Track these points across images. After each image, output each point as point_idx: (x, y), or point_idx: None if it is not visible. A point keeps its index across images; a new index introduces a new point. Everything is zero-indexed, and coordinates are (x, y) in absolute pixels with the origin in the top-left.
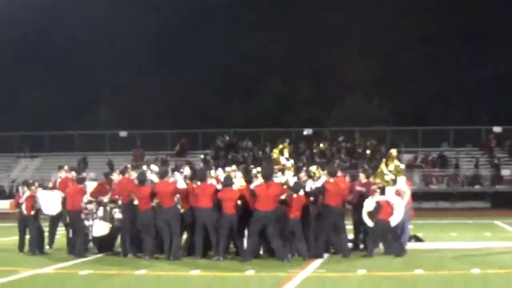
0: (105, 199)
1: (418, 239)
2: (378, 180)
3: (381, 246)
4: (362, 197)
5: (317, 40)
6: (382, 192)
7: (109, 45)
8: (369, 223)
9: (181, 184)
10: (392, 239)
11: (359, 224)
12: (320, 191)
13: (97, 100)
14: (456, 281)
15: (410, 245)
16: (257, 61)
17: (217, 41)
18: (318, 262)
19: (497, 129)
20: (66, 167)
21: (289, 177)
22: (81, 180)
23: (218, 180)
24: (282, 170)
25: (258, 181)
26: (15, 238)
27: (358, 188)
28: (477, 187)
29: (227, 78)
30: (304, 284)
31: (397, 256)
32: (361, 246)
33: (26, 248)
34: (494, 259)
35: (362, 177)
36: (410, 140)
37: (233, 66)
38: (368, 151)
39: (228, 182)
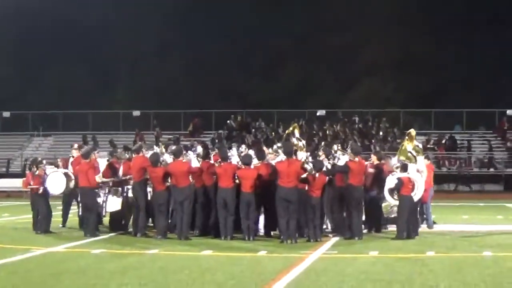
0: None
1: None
2: (402, 157)
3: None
4: (374, 178)
5: (337, 22)
6: (404, 169)
7: (129, 23)
8: (391, 200)
9: (195, 163)
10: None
11: (368, 206)
12: (344, 170)
13: (115, 79)
14: (468, 263)
15: (422, 227)
16: (277, 42)
17: (239, 19)
18: (330, 243)
19: (510, 112)
20: (76, 145)
21: (302, 158)
22: (86, 155)
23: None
24: (295, 151)
25: (279, 158)
26: (28, 216)
27: (370, 169)
28: (490, 170)
29: (248, 57)
30: (316, 265)
31: (409, 238)
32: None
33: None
34: (506, 242)
35: (374, 159)
36: (423, 122)
37: (254, 45)
38: (381, 133)
39: (247, 160)
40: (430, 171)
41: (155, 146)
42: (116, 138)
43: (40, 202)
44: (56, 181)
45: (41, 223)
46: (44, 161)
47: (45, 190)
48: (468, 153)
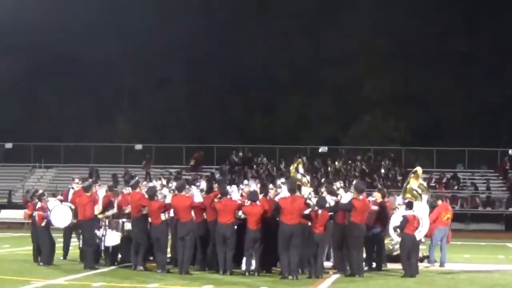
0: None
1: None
2: (408, 195)
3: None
4: (378, 215)
5: (338, 56)
6: (409, 206)
7: (130, 55)
8: (395, 237)
9: (198, 198)
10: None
11: (370, 243)
12: (347, 208)
13: (117, 112)
14: None
15: (423, 266)
16: (278, 75)
17: (240, 53)
18: (330, 280)
19: None
20: (77, 180)
21: (306, 193)
22: (87, 188)
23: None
24: (299, 186)
25: (282, 194)
26: (29, 248)
27: (374, 207)
28: (490, 209)
29: (249, 91)
30: None
31: (410, 277)
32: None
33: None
34: (507, 282)
35: (377, 196)
36: (425, 160)
37: (255, 79)
38: (382, 171)
39: (253, 197)
40: (447, 210)
41: (154, 181)
42: (118, 171)
43: (42, 234)
44: (61, 214)
45: (44, 255)
46: (46, 193)
47: (48, 222)
48: (474, 192)
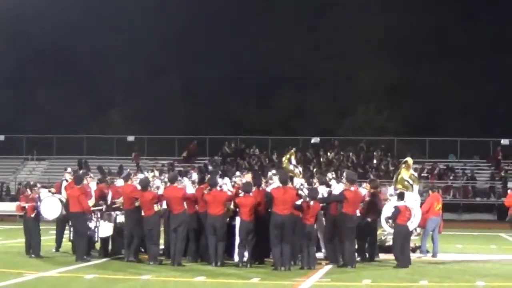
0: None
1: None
2: (399, 186)
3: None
4: (369, 206)
5: (332, 47)
6: (401, 197)
7: (125, 47)
8: (387, 228)
9: (190, 190)
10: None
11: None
12: (339, 199)
13: (109, 104)
14: None
15: (415, 256)
16: (273, 67)
17: (234, 44)
18: (323, 271)
19: (505, 141)
20: (69, 169)
21: (298, 184)
22: (78, 180)
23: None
24: (291, 177)
25: (274, 184)
26: (22, 240)
27: (367, 198)
28: (483, 199)
29: (243, 82)
30: None
31: (402, 267)
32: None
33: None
34: (500, 272)
35: (368, 187)
36: (417, 151)
37: (250, 70)
38: (374, 161)
39: (247, 188)
40: (439, 201)
41: (145, 172)
42: (110, 163)
43: (32, 225)
44: (51, 206)
45: (34, 247)
46: (39, 185)
47: (38, 214)
48: (466, 182)
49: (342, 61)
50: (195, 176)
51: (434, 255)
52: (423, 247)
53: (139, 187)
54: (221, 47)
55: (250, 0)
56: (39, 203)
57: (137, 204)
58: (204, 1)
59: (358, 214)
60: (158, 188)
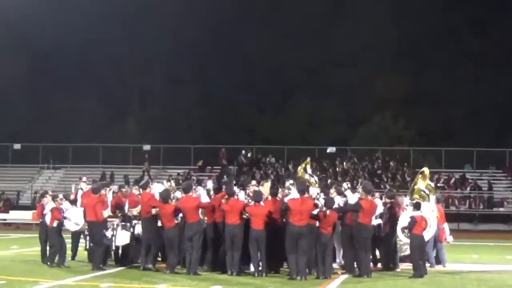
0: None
1: (438, 261)
2: (416, 196)
3: (402, 266)
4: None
5: (348, 56)
6: (417, 207)
7: (140, 56)
8: (403, 238)
9: (205, 199)
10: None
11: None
12: (355, 208)
13: (126, 112)
14: None
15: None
16: (288, 76)
17: (250, 53)
18: (338, 280)
19: None
20: (84, 178)
21: (314, 194)
22: (96, 190)
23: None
24: (307, 187)
25: (291, 195)
26: (37, 248)
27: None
28: (500, 209)
29: (259, 91)
30: None
31: (418, 277)
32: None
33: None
34: None
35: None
36: (434, 161)
37: (265, 80)
38: (390, 172)
39: (258, 198)
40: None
41: (165, 182)
42: (126, 172)
43: (54, 235)
44: (75, 217)
45: (53, 256)
46: (61, 195)
47: (61, 224)
48: (482, 193)
49: (357, 69)
50: (210, 185)
51: (443, 264)
52: (430, 259)
53: (157, 196)
54: (237, 56)
55: (265, 9)
56: (63, 214)
57: (153, 212)
58: (220, 11)
59: (374, 224)
60: (178, 200)
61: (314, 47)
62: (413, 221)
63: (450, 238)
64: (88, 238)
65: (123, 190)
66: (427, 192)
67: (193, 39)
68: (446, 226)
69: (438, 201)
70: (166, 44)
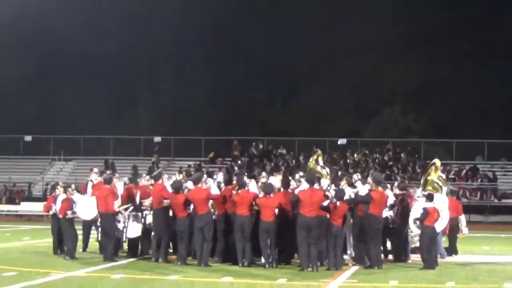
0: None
1: (450, 252)
2: (429, 188)
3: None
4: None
5: (358, 47)
6: (430, 199)
7: (152, 48)
8: (415, 229)
9: (215, 190)
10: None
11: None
12: (365, 200)
13: (137, 104)
14: None
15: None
16: (298, 68)
17: (260, 45)
18: (349, 272)
19: None
20: (96, 170)
21: (325, 185)
22: (108, 180)
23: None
24: (318, 178)
25: (301, 186)
26: (49, 240)
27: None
28: (510, 201)
29: (269, 83)
30: None
31: (429, 268)
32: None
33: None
34: None
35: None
36: (444, 153)
37: (276, 71)
38: (401, 163)
39: (268, 190)
40: None
41: (177, 173)
42: (136, 163)
43: (65, 226)
44: (88, 206)
45: (70, 249)
46: (73, 185)
47: (73, 214)
48: (493, 184)
49: (367, 61)
50: (220, 176)
51: (442, 257)
52: (441, 250)
53: (169, 188)
54: (247, 48)
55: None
56: (74, 205)
57: (165, 203)
58: (229, 1)
59: (385, 216)
60: (189, 190)
61: (323, 39)
62: (426, 213)
63: (465, 230)
64: (100, 229)
65: (135, 181)
66: (440, 183)
67: (204, 31)
68: (462, 218)
69: (452, 193)
70: (177, 37)
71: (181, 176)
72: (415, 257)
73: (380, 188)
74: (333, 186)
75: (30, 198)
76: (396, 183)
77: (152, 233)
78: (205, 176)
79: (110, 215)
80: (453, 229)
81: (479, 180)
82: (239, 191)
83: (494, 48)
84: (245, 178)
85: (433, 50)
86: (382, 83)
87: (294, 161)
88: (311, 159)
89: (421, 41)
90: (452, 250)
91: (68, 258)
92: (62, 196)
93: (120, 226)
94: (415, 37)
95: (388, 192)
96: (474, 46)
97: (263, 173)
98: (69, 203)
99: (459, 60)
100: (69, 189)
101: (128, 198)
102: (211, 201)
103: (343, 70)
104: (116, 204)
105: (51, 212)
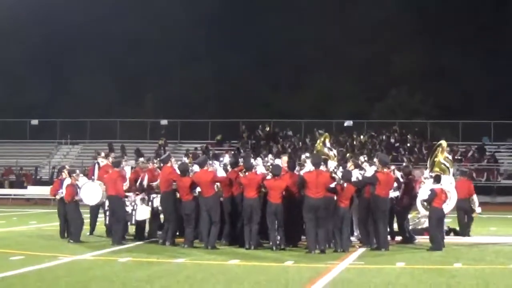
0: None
1: (456, 233)
2: (436, 169)
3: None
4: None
5: (364, 31)
6: (437, 180)
7: (156, 33)
8: (422, 211)
9: (220, 173)
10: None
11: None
12: (371, 181)
13: (143, 88)
14: (495, 275)
15: (449, 239)
16: (305, 51)
17: (266, 29)
18: (356, 254)
19: None
20: (103, 153)
21: (332, 167)
22: (117, 164)
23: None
24: (325, 160)
25: (306, 168)
26: (55, 224)
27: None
28: None
29: (275, 66)
30: (343, 276)
31: (436, 250)
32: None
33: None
34: None
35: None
36: (451, 134)
37: (282, 54)
38: (408, 144)
39: (277, 171)
40: None
41: (184, 156)
42: (143, 147)
43: (71, 210)
44: (92, 192)
45: (73, 232)
46: (78, 171)
47: (78, 199)
48: (499, 165)
49: (374, 43)
50: (226, 159)
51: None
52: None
53: (177, 171)
54: (252, 32)
55: None
56: (78, 189)
57: (174, 186)
58: None
59: (392, 196)
60: (194, 173)
61: (330, 22)
62: (433, 194)
63: (478, 210)
64: (107, 213)
65: (141, 163)
66: (447, 165)
67: (208, 16)
68: (475, 197)
69: (463, 174)
70: (182, 22)
71: (188, 160)
72: (423, 239)
73: (386, 169)
74: (340, 168)
75: (37, 182)
76: (400, 168)
77: (162, 216)
78: (212, 159)
79: (120, 198)
80: (461, 211)
81: (485, 161)
82: (247, 173)
83: (500, 31)
84: (252, 159)
85: (438, 34)
86: (389, 66)
87: (300, 143)
88: (318, 141)
89: (427, 25)
90: (463, 231)
91: (72, 241)
92: (67, 181)
93: (128, 209)
94: (422, 21)
95: (396, 173)
96: (479, 30)
97: (270, 155)
98: (73, 189)
99: (465, 43)
100: (74, 175)
101: (135, 181)
102: (218, 183)
103: (350, 53)
104: (124, 187)
105: (57, 196)
